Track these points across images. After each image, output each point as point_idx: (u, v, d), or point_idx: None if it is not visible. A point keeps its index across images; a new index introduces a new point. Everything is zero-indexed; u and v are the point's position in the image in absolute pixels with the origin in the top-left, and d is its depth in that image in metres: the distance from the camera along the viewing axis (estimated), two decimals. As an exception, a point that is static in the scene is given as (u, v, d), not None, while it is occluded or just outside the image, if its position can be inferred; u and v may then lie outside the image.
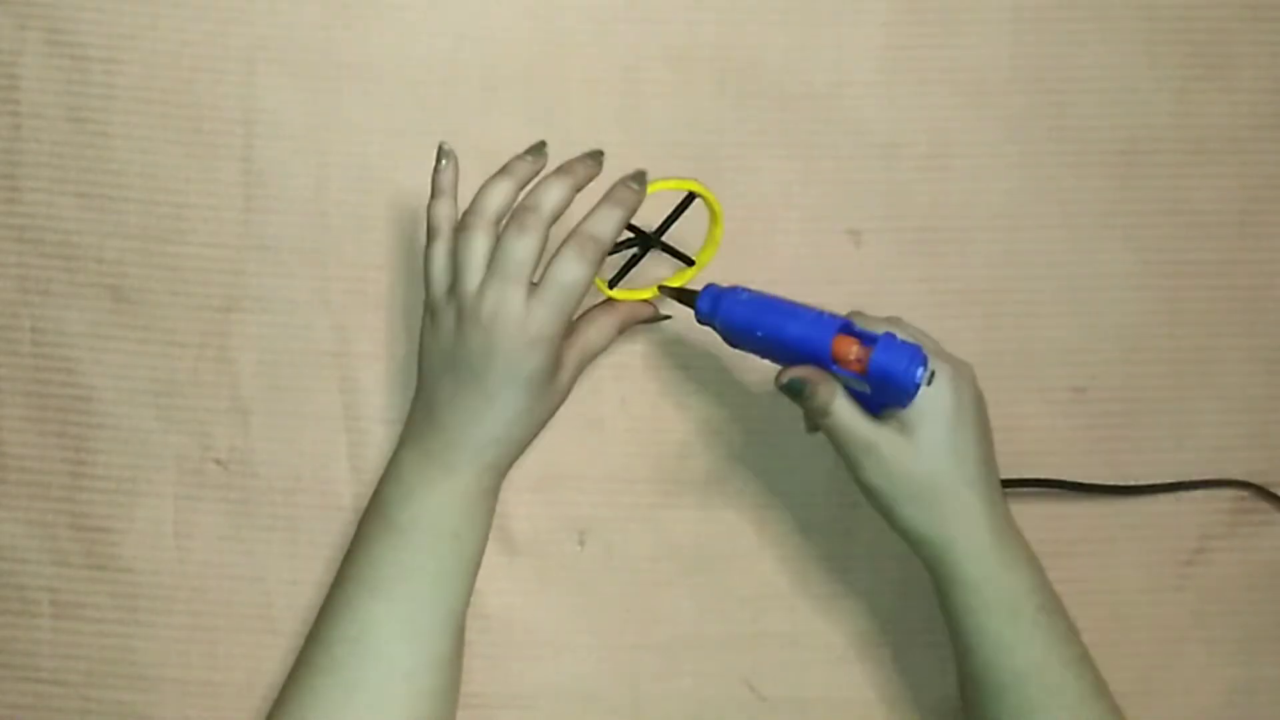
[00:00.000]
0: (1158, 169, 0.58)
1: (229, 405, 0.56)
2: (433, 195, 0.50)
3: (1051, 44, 0.57)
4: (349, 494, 0.56)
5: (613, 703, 0.56)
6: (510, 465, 0.50)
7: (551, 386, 0.49)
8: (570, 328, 0.50)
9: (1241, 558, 0.57)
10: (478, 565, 0.50)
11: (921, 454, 0.46)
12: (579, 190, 0.49)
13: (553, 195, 0.48)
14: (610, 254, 0.50)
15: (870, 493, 0.48)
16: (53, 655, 0.55)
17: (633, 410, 0.57)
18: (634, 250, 0.53)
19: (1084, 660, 0.47)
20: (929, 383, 0.46)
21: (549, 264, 0.47)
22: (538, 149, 0.50)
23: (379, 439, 0.56)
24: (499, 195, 0.48)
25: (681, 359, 0.57)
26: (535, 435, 0.50)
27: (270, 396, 0.56)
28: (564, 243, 0.47)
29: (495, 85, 0.57)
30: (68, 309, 0.56)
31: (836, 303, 0.54)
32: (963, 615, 0.47)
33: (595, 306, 0.52)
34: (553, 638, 0.56)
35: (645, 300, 0.53)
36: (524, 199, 0.48)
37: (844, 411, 0.47)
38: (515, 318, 0.46)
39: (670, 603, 0.56)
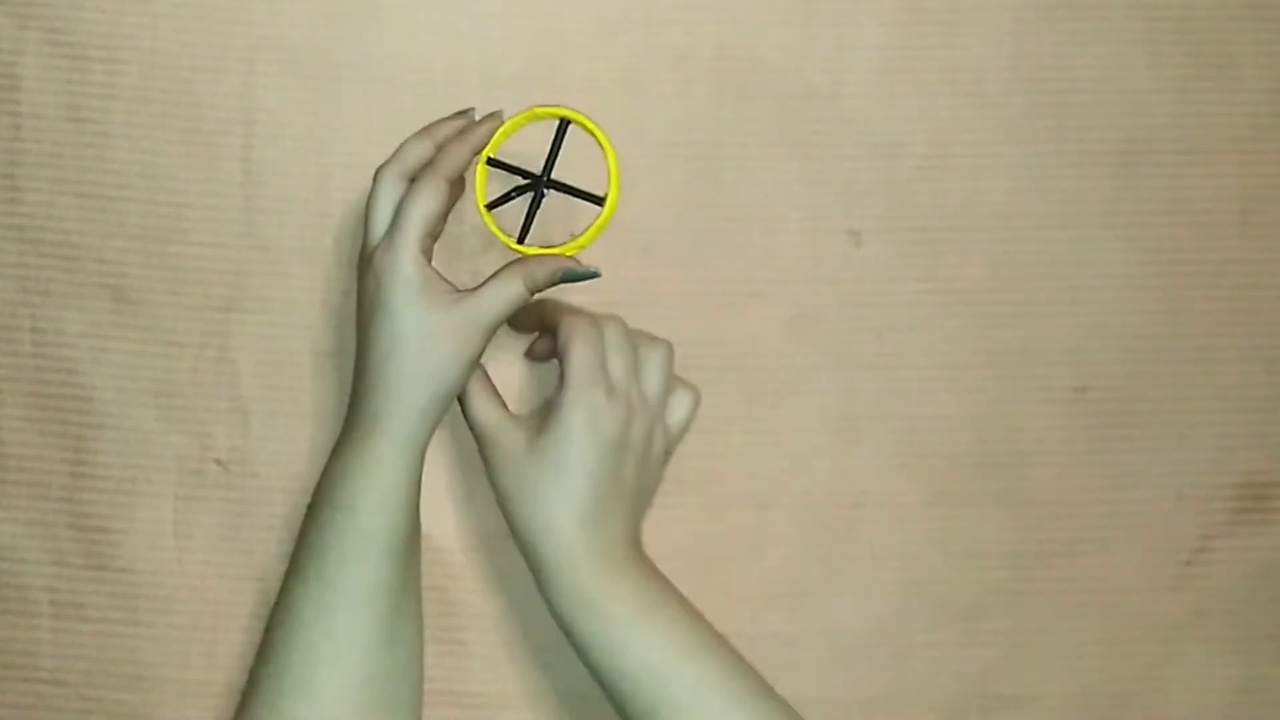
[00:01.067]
0: (1158, 169, 0.58)
1: (229, 405, 0.56)
2: None
3: (1051, 44, 0.57)
4: (349, 494, 0.56)
5: (613, 703, 0.56)
6: (404, 429, 0.48)
7: (427, 322, 0.48)
8: (475, 287, 0.50)
9: (1241, 558, 0.57)
10: (391, 545, 0.48)
11: (530, 458, 0.48)
12: (439, 144, 0.52)
13: (410, 150, 0.51)
14: (502, 202, 0.53)
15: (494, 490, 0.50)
16: (53, 655, 0.55)
17: (633, 410, 0.57)
18: (529, 196, 0.53)
19: (705, 649, 0.47)
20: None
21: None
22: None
23: (379, 439, 0.56)
24: (417, 149, 0.52)
25: (681, 359, 0.57)
26: (428, 392, 0.48)
27: (270, 396, 0.56)
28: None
29: (495, 85, 0.57)
30: (68, 309, 0.56)
31: (836, 302, 0.54)
32: (560, 619, 0.48)
33: (505, 265, 0.51)
34: (553, 638, 0.56)
35: (562, 255, 0.52)
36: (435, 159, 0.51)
37: (476, 399, 0.50)
38: (366, 250, 0.50)
39: (670, 603, 0.56)
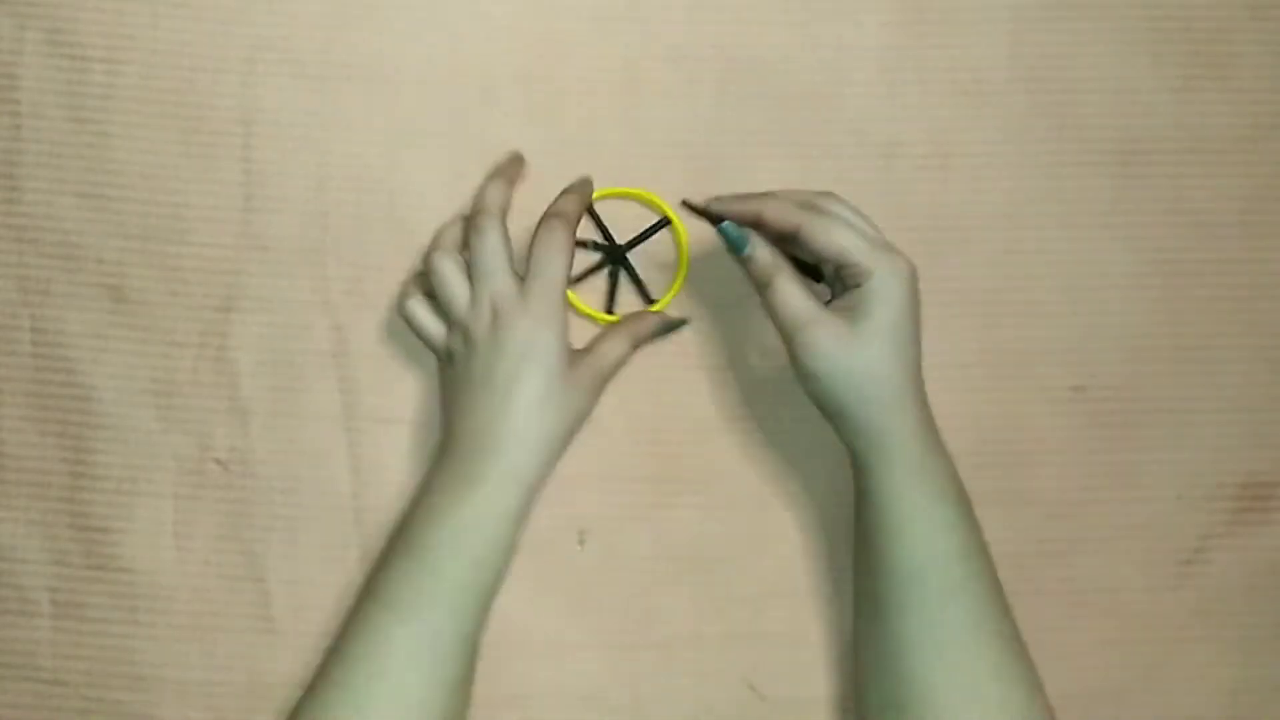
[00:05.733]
0: (1158, 169, 0.58)
1: (229, 405, 0.56)
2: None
3: (1051, 44, 0.58)
4: (349, 494, 0.56)
5: (613, 703, 0.56)
6: (534, 480, 0.49)
7: (566, 391, 0.49)
8: (587, 346, 0.51)
9: (1241, 558, 0.57)
10: (497, 591, 0.49)
11: (865, 340, 0.48)
12: (514, 185, 0.53)
13: (492, 193, 0.52)
14: (586, 274, 0.54)
15: (807, 378, 0.49)
16: (53, 655, 0.55)
17: (633, 410, 0.57)
18: (609, 269, 0.55)
19: (988, 551, 0.49)
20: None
21: (528, 254, 0.50)
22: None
23: (379, 439, 0.56)
24: (452, 231, 0.53)
25: (682, 359, 0.57)
26: (555, 449, 0.50)
27: (270, 396, 0.56)
28: (534, 232, 0.50)
29: (495, 85, 0.57)
30: (68, 309, 0.56)
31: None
32: (898, 499, 0.48)
33: (606, 327, 0.53)
34: (553, 638, 0.56)
35: (652, 312, 0.54)
36: (471, 208, 0.52)
37: (787, 288, 0.49)
38: (512, 300, 0.49)
39: (670, 603, 0.56)
